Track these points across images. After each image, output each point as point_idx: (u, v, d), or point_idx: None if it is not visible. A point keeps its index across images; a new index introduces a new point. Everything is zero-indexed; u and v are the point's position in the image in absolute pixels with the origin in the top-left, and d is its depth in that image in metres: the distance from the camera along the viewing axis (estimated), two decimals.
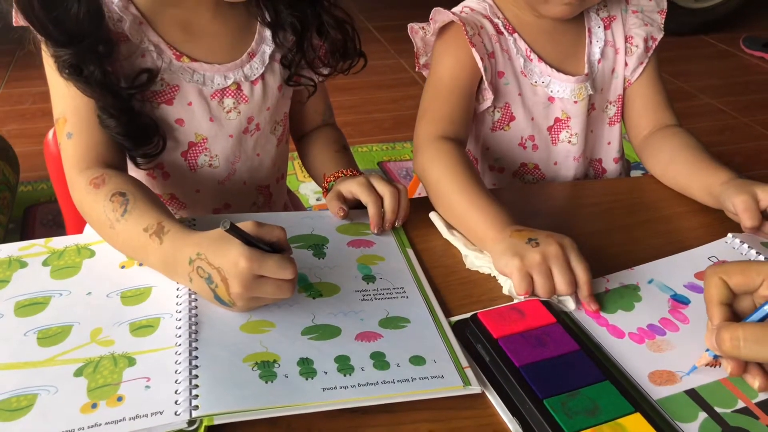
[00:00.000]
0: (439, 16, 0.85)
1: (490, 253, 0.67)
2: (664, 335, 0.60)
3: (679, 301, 0.64)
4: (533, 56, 0.86)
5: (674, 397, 0.54)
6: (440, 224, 0.75)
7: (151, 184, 0.82)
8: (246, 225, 0.58)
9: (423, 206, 0.78)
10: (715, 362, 0.56)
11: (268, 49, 0.80)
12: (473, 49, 0.81)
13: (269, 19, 0.79)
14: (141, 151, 0.74)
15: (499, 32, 0.86)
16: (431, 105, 0.85)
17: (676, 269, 0.68)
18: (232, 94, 0.79)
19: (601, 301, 0.64)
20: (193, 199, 0.84)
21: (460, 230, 0.74)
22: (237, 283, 0.56)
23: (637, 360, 0.57)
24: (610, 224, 0.79)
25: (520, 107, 0.89)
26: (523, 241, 0.64)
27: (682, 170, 0.81)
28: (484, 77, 0.83)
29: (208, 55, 0.77)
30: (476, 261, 0.69)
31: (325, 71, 0.84)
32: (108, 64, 0.70)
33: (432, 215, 0.76)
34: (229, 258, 0.56)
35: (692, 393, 0.54)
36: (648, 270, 0.68)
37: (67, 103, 0.71)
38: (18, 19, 0.69)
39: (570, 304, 0.63)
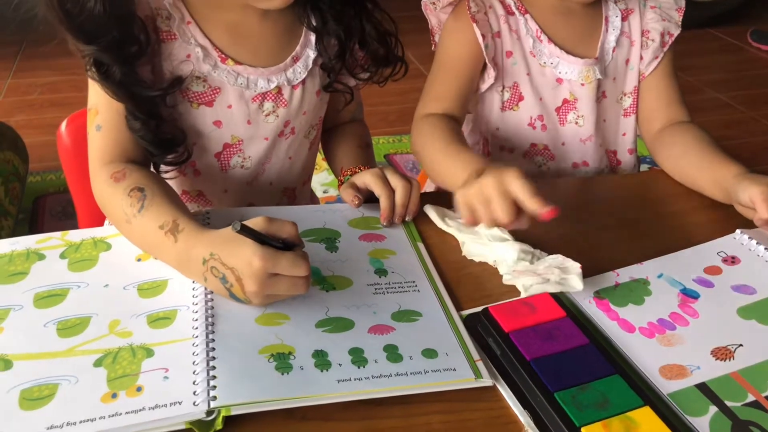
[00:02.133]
0: None
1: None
2: (674, 330, 0.61)
3: (689, 295, 0.65)
4: (543, 37, 0.88)
5: (684, 391, 0.55)
6: (434, 215, 0.76)
7: (180, 181, 0.83)
8: (257, 222, 0.58)
9: (434, 201, 0.79)
10: None
11: (312, 53, 0.80)
12: (474, 26, 0.83)
13: (315, 24, 0.80)
14: (164, 158, 0.75)
15: (509, 12, 0.88)
16: (429, 85, 0.90)
17: (686, 264, 0.69)
18: (273, 97, 0.79)
19: (611, 295, 0.65)
20: (220, 198, 0.85)
21: (445, 188, 0.76)
22: (252, 283, 0.57)
23: (647, 354, 0.58)
24: (620, 219, 0.79)
25: (529, 87, 0.90)
26: (475, 176, 0.66)
27: (693, 164, 0.82)
28: (485, 55, 0.85)
29: (253, 58, 0.77)
30: (473, 248, 0.70)
31: (364, 76, 0.84)
32: (140, 65, 0.70)
33: (426, 207, 0.77)
34: (243, 258, 0.57)
35: (702, 387, 0.55)
36: (658, 264, 0.69)
37: (101, 97, 0.71)
38: (42, 7, 0.69)
39: (577, 284, 0.63)
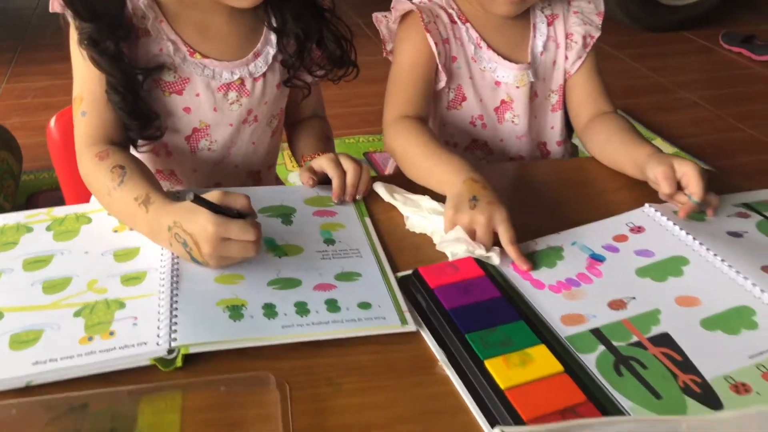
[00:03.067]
0: (400, 5, 0.97)
1: (447, 197, 0.78)
2: (579, 287, 0.70)
3: (597, 259, 0.74)
4: (483, 44, 0.97)
5: (580, 334, 0.64)
6: (382, 190, 0.85)
7: (154, 160, 0.93)
8: (213, 194, 0.68)
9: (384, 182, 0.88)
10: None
11: (271, 50, 0.91)
12: (428, 35, 0.93)
13: (275, 25, 0.90)
14: (142, 133, 0.85)
15: (452, 21, 0.97)
16: (393, 89, 0.97)
17: (597, 233, 0.78)
18: (236, 88, 0.89)
19: (528, 259, 0.74)
20: (190, 177, 0.95)
21: (427, 185, 0.85)
22: (207, 245, 0.66)
23: (551, 306, 0.68)
24: (552, 200, 0.89)
25: (471, 89, 1.00)
26: (469, 196, 0.75)
27: (615, 148, 0.92)
28: (437, 60, 0.94)
29: (218, 52, 0.88)
30: (415, 222, 0.80)
31: (320, 73, 0.94)
32: (125, 46, 0.81)
33: (376, 184, 0.86)
34: (199, 224, 0.66)
35: (596, 331, 0.65)
36: (572, 234, 0.78)
37: (85, 85, 0.82)
38: (54, 5, 0.80)
39: (494, 260, 0.73)
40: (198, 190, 0.85)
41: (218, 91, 0.89)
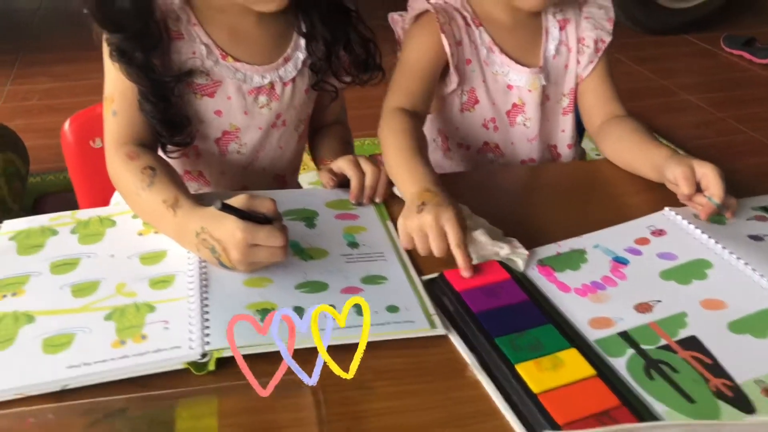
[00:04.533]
0: (416, 4, 0.97)
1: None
2: (604, 289, 0.71)
3: (620, 261, 0.75)
4: (495, 48, 0.98)
5: (608, 338, 0.65)
6: (401, 193, 0.85)
7: (183, 161, 0.93)
8: (239, 199, 0.68)
9: None
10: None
11: (301, 55, 0.91)
12: (443, 36, 0.93)
13: (304, 30, 0.90)
14: (173, 139, 0.85)
15: (467, 24, 0.98)
16: (396, 81, 0.97)
17: (619, 236, 0.79)
18: (266, 92, 0.90)
19: (553, 262, 0.74)
20: (218, 179, 0.95)
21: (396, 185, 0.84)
22: (235, 252, 0.66)
23: (578, 309, 0.68)
24: (566, 201, 0.89)
25: (484, 92, 1.00)
26: (417, 203, 0.74)
27: (631, 150, 0.93)
28: (450, 62, 0.95)
29: (250, 56, 0.88)
30: None
31: (347, 79, 0.95)
32: (155, 56, 0.81)
33: (395, 188, 0.86)
34: (227, 231, 0.66)
35: (624, 334, 0.65)
36: (594, 237, 0.79)
37: (116, 86, 0.83)
38: None
39: (519, 266, 0.73)
40: (224, 193, 0.86)
41: (249, 95, 0.89)
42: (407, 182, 0.80)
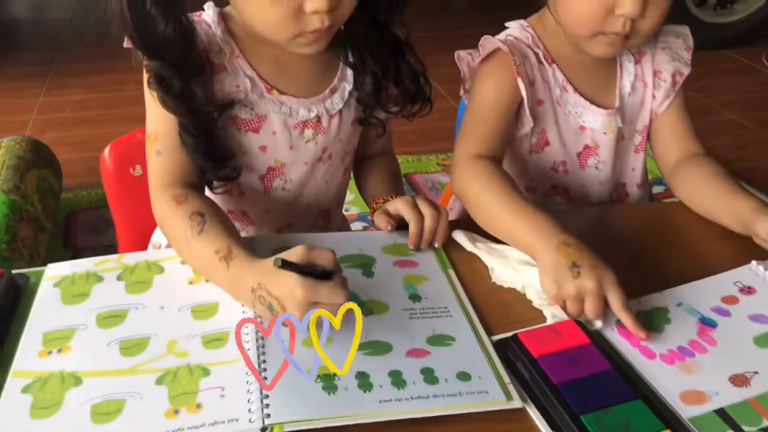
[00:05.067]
0: (488, 44, 0.91)
1: (539, 264, 0.72)
2: (693, 357, 0.65)
3: (707, 324, 0.69)
4: (569, 87, 0.92)
5: (704, 416, 0.59)
6: (463, 239, 0.80)
7: (226, 201, 0.89)
8: (297, 251, 0.63)
9: (463, 228, 0.83)
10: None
11: (348, 86, 0.86)
12: (518, 78, 0.87)
13: (351, 60, 0.85)
14: (217, 174, 0.80)
15: (539, 62, 0.91)
16: (470, 126, 0.91)
17: (704, 293, 0.73)
18: (313, 125, 0.85)
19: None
20: (262, 218, 0.90)
21: (507, 242, 0.78)
22: (296, 311, 0.61)
23: (668, 380, 0.62)
24: (639, 248, 0.83)
25: (555, 133, 0.94)
26: (567, 264, 0.68)
27: (710, 196, 0.86)
28: (525, 104, 0.89)
29: (295, 89, 0.83)
30: (501, 274, 0.75)
31: (395, 109, 0.90)
32: (196, 86, 0.76)
33: (455, 233, 0.81)
34: (287, 288, 0.61)
35: (721, 412, 0.59)
36: (677, 293, 0.73)
37: (160, 124, 0.78)
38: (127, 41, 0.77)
39: (597, 323, 0.68)
40: (273, 237, 0.81)
41: (294, 129, 0.84)
42: (529, 233, 0.74)
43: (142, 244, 1.02)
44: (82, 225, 1.86)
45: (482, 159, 0.86)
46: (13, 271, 0.71)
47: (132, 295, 0.69)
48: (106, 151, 1.05)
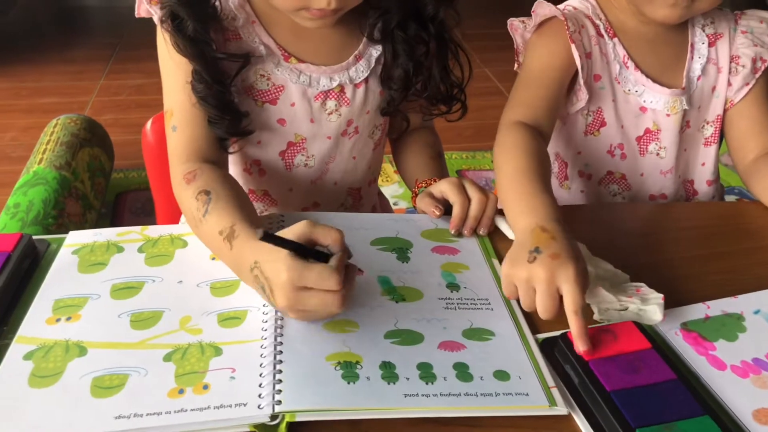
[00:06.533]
0: (542, 9, 0.84)
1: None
2: None
3: None
4: (630, 64, 0.84)
5: None
6: (506, 227, 0.73)
7: (246, 180, 0.84)
8: (297, 226, 0.56)
9: None
10: None
11: (375, 52, 0.80)
12: (573, 46, 0.80)
13: (376, 37, 0.79)
14: (229, 129, 0.74)
15: (599, 34, 0.84)
16: (516, 92, 0.84)
17: None
18: (335, 96, 0.79)
19: (701, 328, 0.60)
20: (285, 197, 0.85)
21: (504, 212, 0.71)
22: (280, 295, 0.54)
23: (740, 395, 0.54)
24: (711, 249, 0.74)
25: (612, 113, 0.86)
26: (530, 247, 0.59)
27: None
28: (580, 76, 0.81)
29: (316, 56, 0.77)
30: None
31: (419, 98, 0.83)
32: (207, 31, 0.71)
33: (499, 221, 0.74)
34: (275, 268, 0.54)
35: None
36: (754, 300, 0.64)
37: (175, 98, 0.74)
38: (140, 11, 0.73)
39: (655, 315, 0.59)
40: (299, 214, 0.76)
41: (315, 100, 0.78)
42: (519, 212, 0.66)
43: (178, 219, 0.99)
44: (131, 206, 1.87)
45: (522, 127, 0.78)
46: (35, 237, 0.68)
47: (151, 268, 0.65)
48: (148, 124, 1.03)
